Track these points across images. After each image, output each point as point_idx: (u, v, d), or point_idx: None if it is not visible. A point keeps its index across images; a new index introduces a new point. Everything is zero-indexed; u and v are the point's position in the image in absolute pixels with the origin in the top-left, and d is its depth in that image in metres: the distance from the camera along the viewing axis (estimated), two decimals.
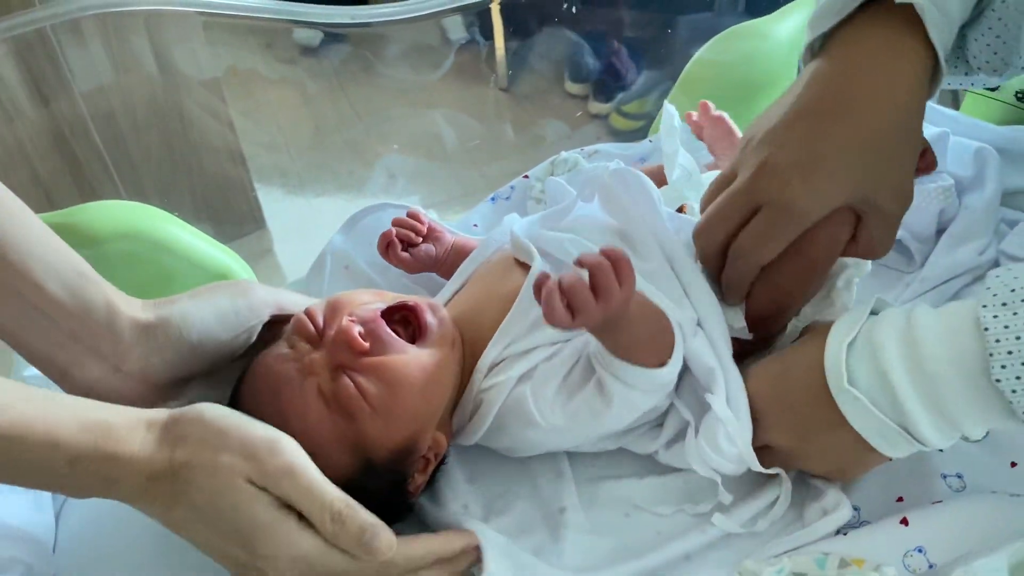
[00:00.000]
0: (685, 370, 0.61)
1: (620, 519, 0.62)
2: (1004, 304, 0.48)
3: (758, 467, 0.59)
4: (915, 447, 0.53)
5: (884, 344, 0.52)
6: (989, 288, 0.49)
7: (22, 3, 1.26)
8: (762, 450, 0.59)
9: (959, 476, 0.61)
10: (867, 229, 0.59)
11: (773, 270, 0.60)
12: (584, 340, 0.59)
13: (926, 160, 0.63)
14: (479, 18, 1.53)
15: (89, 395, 0.54)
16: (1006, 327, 0.47)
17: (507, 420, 0.61)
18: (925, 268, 0.75)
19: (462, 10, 0.93)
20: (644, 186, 0.66)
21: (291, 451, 0.51)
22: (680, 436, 0.61)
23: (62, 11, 0.91)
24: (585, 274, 0.48)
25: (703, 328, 0.61)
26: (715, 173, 0.69)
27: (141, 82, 1.34)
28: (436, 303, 0.62)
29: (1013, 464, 0.61)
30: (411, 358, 0.57)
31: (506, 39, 1.54)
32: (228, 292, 0.61)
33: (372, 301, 0.60)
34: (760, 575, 0.52)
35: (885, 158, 0.57)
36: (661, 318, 0.57)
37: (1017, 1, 0.60)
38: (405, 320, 0.60)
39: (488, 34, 1.49)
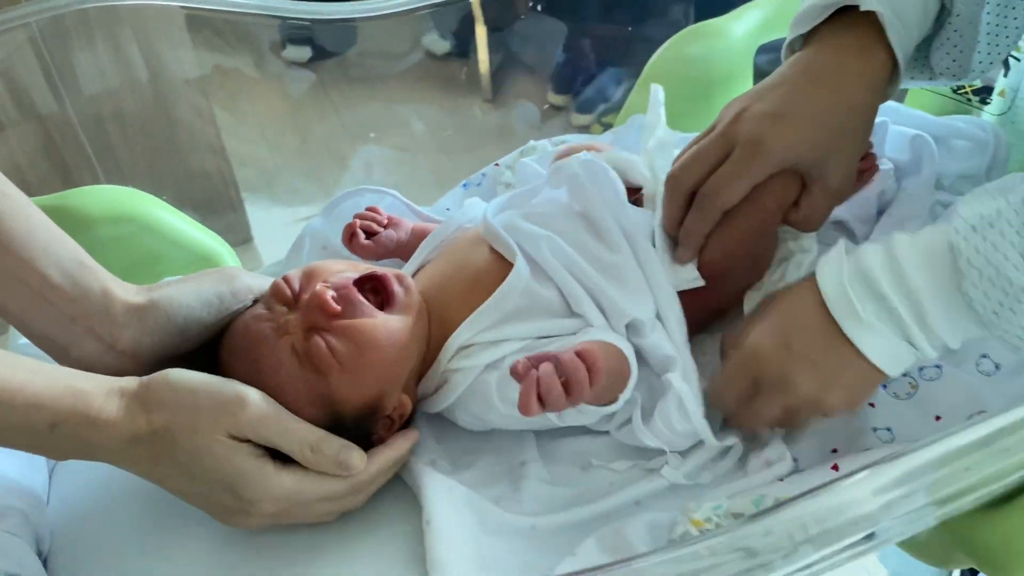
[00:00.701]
0: (640, 360, 0.66)
1: (577, 472, 0.67)
2: (973, 228, 0.54)
3: (712, 440, 0.64)
4: (911, 362, 0.58)
5: (876, 275, 0.56)
6: (958, 214, 0.55)
7: (9, 1, 1.30)
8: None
9: (889, 429, 0.66)
10: (810, 197, 0.67)
11: (730, 217, 0.66)
12: (558, 346, 0.63)
13: (868, 162, 0.71)
14: (464, 32, 1.58)
15: (89, 372, 0.59)
16: (976, 250, 0.53)
17: (469, 401, 0.66)
18: None
19: (442, 6, 0.98)
20: (610, 178, 0.71)
21: (260, 400, 0.57)
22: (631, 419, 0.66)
23: (46, 7, 0.95)
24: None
25: (661, 319, 0.66)
26: None
27: (129, 88, 1.38)
28: (404, 274, 0.67)
29: (937, 418, 0.65)
30: (379, 322, 0.62)
31: (490, 52, 1.60)
32: (213, 279, 0.66)
33: (345, 270, 0.65)
34: (698, 511, 0.57)
35: (843, 132, 0.65)
36: (623, 367, 0.62)
37: (970, 15, 0.68)
38: (375, 290, 0.65)
39: (472, 48, 1.55)
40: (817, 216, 0.68)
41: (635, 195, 0.75)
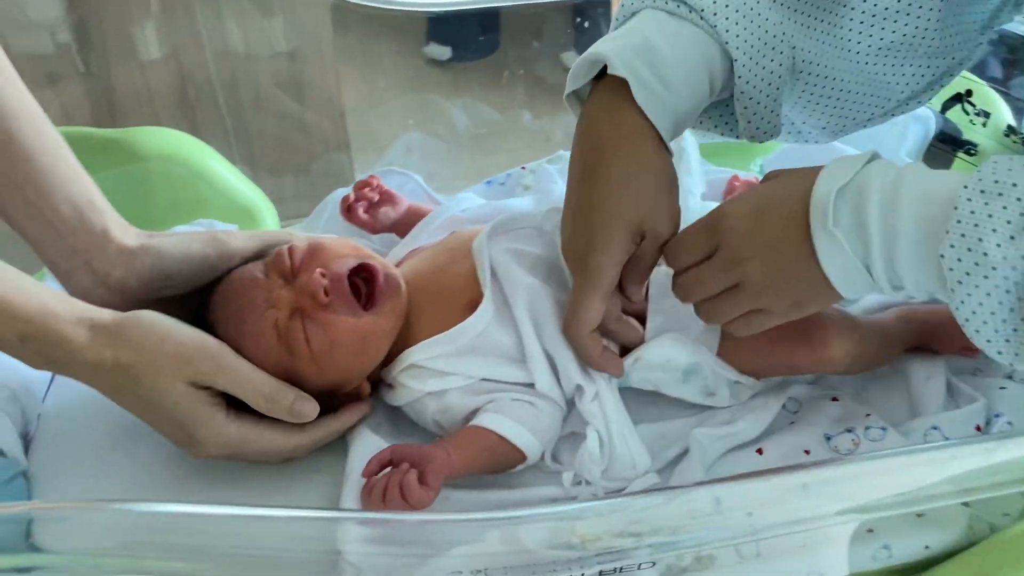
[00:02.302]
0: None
1: None
2: (982, 192, 0.50)
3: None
4: (867, 290, 0.56)
5: (870, 194, 0.54)
6: (979, 172, 0.51)
7: None
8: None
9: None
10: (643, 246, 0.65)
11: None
12: (493, 395, 0.67)
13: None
14: None
15: (84, 300, 0.65)
16: (972, 212, 0.50)
17: (409, 412, 0.71)
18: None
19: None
20: None
21: (221, 351, 0.62)
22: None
23: None
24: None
25: (599, 395, 0.67)
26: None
27: (268, 58, 1.46)
28: (397, 275, 0.69)
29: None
30: (358, 323, 0.65)
31: None
32: (202, 240, 0.71)
33: (348, 256, 0.68)
34: None
35: (647, 195, 0.63)
36: (506, 456, 0.65)
37: (754, 80, 0.66)
38: (368, 280, 0.68)
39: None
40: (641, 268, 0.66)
41: None
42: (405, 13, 1.25)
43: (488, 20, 1.53)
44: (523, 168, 0.97)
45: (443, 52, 1.64)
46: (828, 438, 0.68)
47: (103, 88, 1.26)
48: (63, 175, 0.66)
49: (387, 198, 0.85)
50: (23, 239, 0.68)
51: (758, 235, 0.58)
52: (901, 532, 0.59)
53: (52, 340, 0.59)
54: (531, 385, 0.68)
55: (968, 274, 0.50)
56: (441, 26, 1.63)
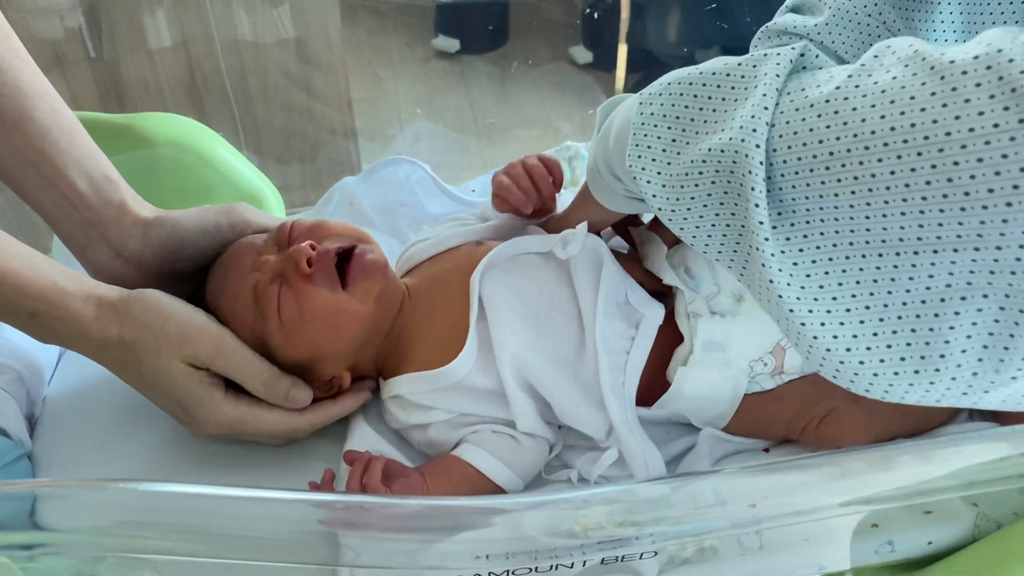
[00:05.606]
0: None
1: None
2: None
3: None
4: (609, 183, 0.61)
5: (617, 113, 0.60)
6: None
7: None
8: None
9: None
10: None
11: None
12: (474, 426, 0.67)
13: None
14: (609, 47, 1.63)
15: (99, 272, 0.68)
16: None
17: (403, 435, 0.70)
18: None
19: None
20: (604, 276, 0.67)
21: (220, 336, 0.63)
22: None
23: None
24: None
25: (614, 426, 0.64)
26: None
27: (276, 50, 1.46)
28: (380, 261, 0.68)
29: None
30: (331, 298, 0.65)
31: (629, 71, 1.63)
32: (216, 211, 0.72)
33: (344, 236, 0.68)
34: None
35: None
36: (483, 490, 0.64)
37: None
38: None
39: (612, 65, 1.58)
40: None
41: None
42: (414, 4, 1.25)
43: (496, 13, 1.52)
44: None
45: (451, 44, 1.64)
46: None
47: (112, 75, 1.27)
48: (79, 151, 0.67)
49: (547, 201, 0.74)
50: (38, 215, 0.68)
51: None
52: (906, 528, 0.59)
53: (62, 317, 0.59)
54: (513, 423, 0.66)
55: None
56: (450, 18, 1.62)
